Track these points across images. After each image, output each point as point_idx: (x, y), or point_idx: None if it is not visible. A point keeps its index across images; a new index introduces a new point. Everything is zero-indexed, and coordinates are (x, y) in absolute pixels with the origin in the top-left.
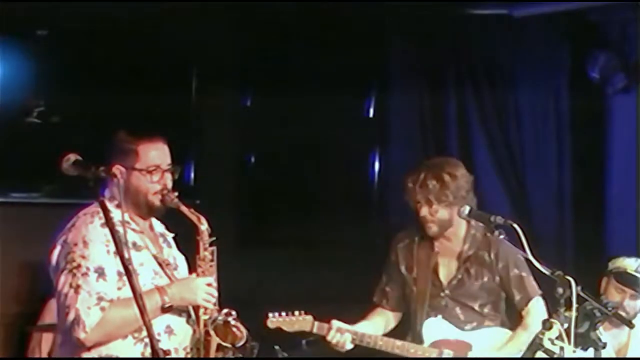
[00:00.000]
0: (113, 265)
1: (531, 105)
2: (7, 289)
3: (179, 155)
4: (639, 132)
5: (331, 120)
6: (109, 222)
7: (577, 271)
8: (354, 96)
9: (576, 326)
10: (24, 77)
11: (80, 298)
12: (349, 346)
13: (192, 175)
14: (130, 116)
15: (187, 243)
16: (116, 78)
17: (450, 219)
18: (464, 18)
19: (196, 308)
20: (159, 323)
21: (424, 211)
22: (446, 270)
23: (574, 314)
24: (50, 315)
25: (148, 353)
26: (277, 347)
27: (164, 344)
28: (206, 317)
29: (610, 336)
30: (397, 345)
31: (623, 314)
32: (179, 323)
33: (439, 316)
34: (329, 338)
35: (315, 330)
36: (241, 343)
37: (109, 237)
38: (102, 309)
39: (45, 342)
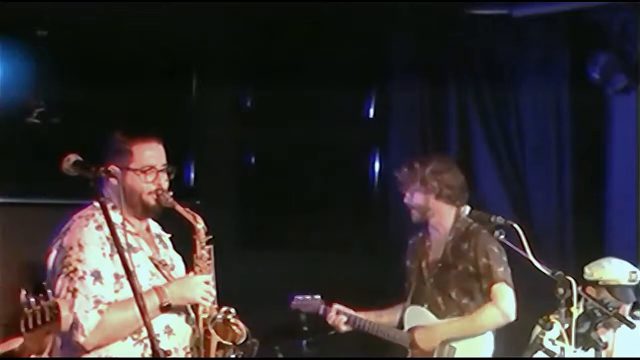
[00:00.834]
0: (109, 267)
1: (532, 105)
2: (6, 288)
3: (178, 156)
4: (639, 132)
5: (331, 120)
6: (109, 222)
7: (577, 271)
8: (354, 96)
9: (577, 326)
10: (24, 78)
11: (77, 302)
12: (345, 328)
13: (192, 175)
14: (131, 116)
15: (183, 243)
16: (116, 78)
17: (426, 204)
18: (464, 18)
19: (195, 307)
20: (158, 323)
21: (406, 198)
22: (432, 260)
23: (574, 314)
24: None
25: (148, 354)
26: (277, 348)
27: (164, 344)
28: (205, 315)
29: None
30: (379, 329)
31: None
32: (178, 323)
33: (425, 305)
34: (329, 320)
35: (321, 312)
36: (241, 340)
37: (104, 239)
38: (100, 312)
39: None
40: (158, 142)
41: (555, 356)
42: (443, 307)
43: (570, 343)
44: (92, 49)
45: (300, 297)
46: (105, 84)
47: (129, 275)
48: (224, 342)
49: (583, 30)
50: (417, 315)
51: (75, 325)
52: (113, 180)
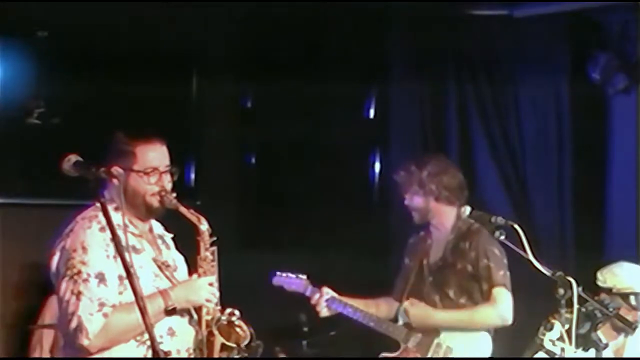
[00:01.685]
0: (113, 269)
1: (532, 105)
2: (7, 289)
3: (179, 156)
4: (639, 132)
5: (331, 120)
6: (109, 225)
7: (577, 272)
8: (355, 97)
9: (577, 327)
10: (24, 78)
11: (82, 305)
12: (325, 312)
13: (193, 176)
14: (131, 116)
15: (186, 243)
16: (116, 79)
17: (426, 206)
18: (465, 19)
19: (198, 309)
20: (161, 325)
21: (407, 199)
22: (432, 259)
23: (575, 314)
24: (50, 313)
25: (150, 355)
26: (277, 348)
27: (166, 345)
28: (209, 317)
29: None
30: (372, 319)
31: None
32: (180, 324)
33: (422, 303)
34: (312, 301)
35: (308, 293)
36: (245, 342)
37: (108, 241)
38: (105, 315)
39: (46, 340)
40: (161, 143)
41: (556, 357)
42: (440, 305)
43: (570, 343)
44: (93, 49)
45: (283, 275)
46: (105, 84)
47: (129, 276)
48: (228, 343)
49: (583, 31)
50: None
51: (79, 328)
52: (115, 181)
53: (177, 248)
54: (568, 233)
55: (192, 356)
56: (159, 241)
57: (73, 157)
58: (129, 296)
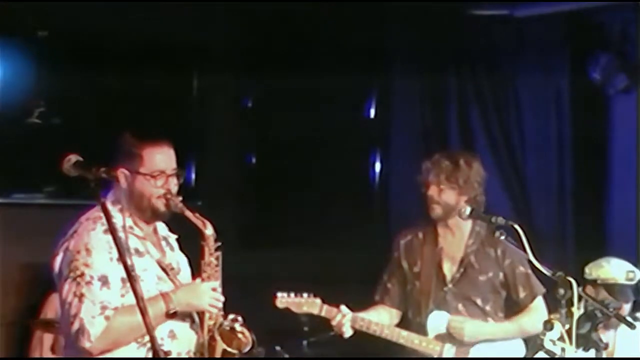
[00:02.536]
0: (116, 272)
1: (532, 105)
2: (8, 289)
3: (180, 157)
4: None
5: (332, 120)
6: (110, 226)
7: (578, 272)
8: (355, 97)
9: (577, 327)
10: (24, 78)
11: (84, 307)
12: (349, 332)
13: (193, 176)
14: (131, 117)
15: (189, 244)
16: (117, 79)
17: (455, 205)
18: (465, 19)
19: (201, 313)
20: (162, 328)
21: (432, 190)
22: (450, 265)
23: (575, 314)
24: (51, 309)
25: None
26: (278, 348)
27: (167, 348)
28: (211, 322)
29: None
30: (402, 335)
31: None
32: (182, 328)
33: (444, 311)
34: (334, 322)
35: (323, 314)
36: (247, 349)
37: (112, 243)
38: (107, 317)
39: (47, 339)
40: (169, 146)
41: (556, 356)
42: (465, 313)
43: (570, 343)
44: (93, 49)
45: (285, 295)
46: (105, 84)
47: (130, 279)
48: (229, 349)
49: (584, 31)
50: (442, 322)
51: (81, 330)
52: (121, 183)
53: (181, 249)
54: (569, 233)
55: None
56: (163, 243)
57: (73, 157)
58: (131, 298)
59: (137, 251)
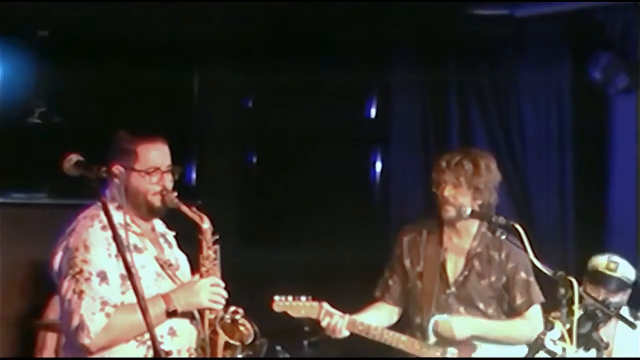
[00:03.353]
0: (115, 268)
1: (533, 105)
2: (9, 289)
3: (180, 156)
4: None
5: (332, 120)
6: (110, 224)
7: (579, 272)
8: (356, 97)
9: (578, 327)
10: (25, 78)
11: (84, 304)
12: (345, 333)
13: (194, 175)
14: (132, 115)
15: (187, 241)
16: (117, 78)
17: (466, 208)
18: (465, 18)
19: (201, 309)
20: (162, 325)
21: (448, 191)
22: (453, 267)
23: (576, 314)
24: (53, 311)
25: (151, 355)
26: (279, 348)
27: (167, 345)
28: (212, 316)
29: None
30: (402, 341)
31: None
32: (182, 325)
33: (445, 315)
34: (325, 323)
35: (322, 317)
36: (249, 340)
37: (110, 240)
38: (107, 314)
39: (50, 340)
40: (163, 142)
41: (557, 356)
42: (466, 316)
43: (571, 343)
44: (93, 49)
45: (282, 298)
46: (106, 83)
47: (130, 276)
48: (232, 342)
49: (584, 31)
50: (445, 326)
51: (81, 327)
52: (117, 180)
53: (179, 246)
54: (569, 233)
55: (193, 356)
56: (161, 240)
57: (74, 157)
58: (131, 295)
59: (135, 247)
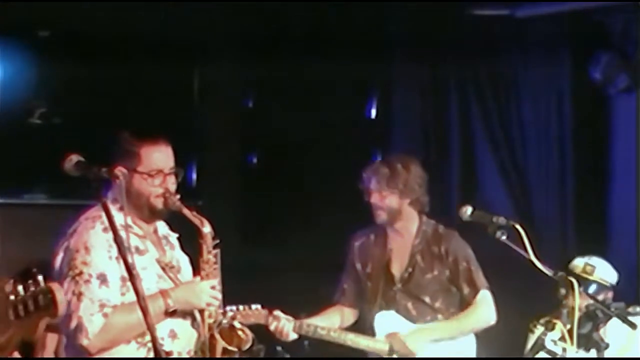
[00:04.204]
0: (116, 270)
1: (533, 105)
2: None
3: (180, 157)
4: None
5: (333, 121)
6: (111, 225)
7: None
8: (356, 98)
9: (578, 327)
10: (26, 78)
11: (82, 305)
12: (293, 335)
13: (194, 176)
14: (132, 117)
15: (190, 243)
16: (118, 79)
17: (399, 208)
18: (466, 19)
19: (201, 312)
20: (163, 327)
21: (375, 197)
22: (398, 265)
23: (576, 315)
24: None
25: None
26: (279, 348)
27: (168, 348)
28: (211, 320)
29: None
30: (349, 338)
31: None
32: (182, 327)
33: (392, 310)
34: (273, 327)
35: (270, 322)
36: (247, 346)
37: (111, 242)
38: (105, 315)
39: (50, 341)
40: (167, 144)
41: (557, 357)
42: (414, 312)
43: (572, 344)
44: (94, 50)
45: (233, 308)
46: (106, 84)
47: (131, 277)
48: (229, 347)
49: (585, 31)
50: (391, 321)
51: (79, 328)
52: (118, 182)
53: (181, 248)
54: (570, 233)
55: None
56: (164, 242)
57: (75, 157)
58: (131, 297)
59: (137, 249)
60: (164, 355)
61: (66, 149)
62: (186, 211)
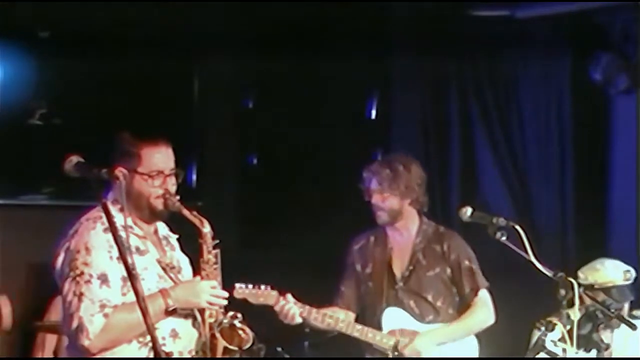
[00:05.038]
0: (117, 271)
1: (533, 106)
2: (10, 291)
3: (180, 158)
4: None
5: (333, 121)
6: (111, 226)
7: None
8: (356, 98)
9: (578, 328)
10: (26, 79)
11: (83, 306)
12: (298, 320)
13: (194, 177)
14: (132, 118)
15: (190, 244)
16: (118, 80)
17: (400, 209)
18: (466, 19)
19: (202, 311)
20: (164, 327)
21: (376, 198)
22: (400, 264)
23: (576, 315)
24: (56, 312)
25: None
26: (279, 349)
27: (169, 348)
28: (212, 320)
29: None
30: (356, 329)
31: None
32: (184, 327)
33: (396, 307)
34: (279, 307)
35: (277, 302)
36: (247, 346)
37: (112, 242)
38: (106, 315)
39: (49, 342)
40: (167, 145)
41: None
42: (417, 310)
43: (572, 344)
44: (94, 51)
45: (243, 286)
46: (107, 85)
47: (131, 277)
48: (230, 347)
49: (585, 31)
50: (397, 318)
51: (80, 328)
52: (119, 182)
53: (182, 249)
54: (570, 234)
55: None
56: (164, 242)
57: (75, 158)
58: (132, 297)
59: (137, 250)
60: (164, 355)
61: (66, 150)
62: (186, 211)
